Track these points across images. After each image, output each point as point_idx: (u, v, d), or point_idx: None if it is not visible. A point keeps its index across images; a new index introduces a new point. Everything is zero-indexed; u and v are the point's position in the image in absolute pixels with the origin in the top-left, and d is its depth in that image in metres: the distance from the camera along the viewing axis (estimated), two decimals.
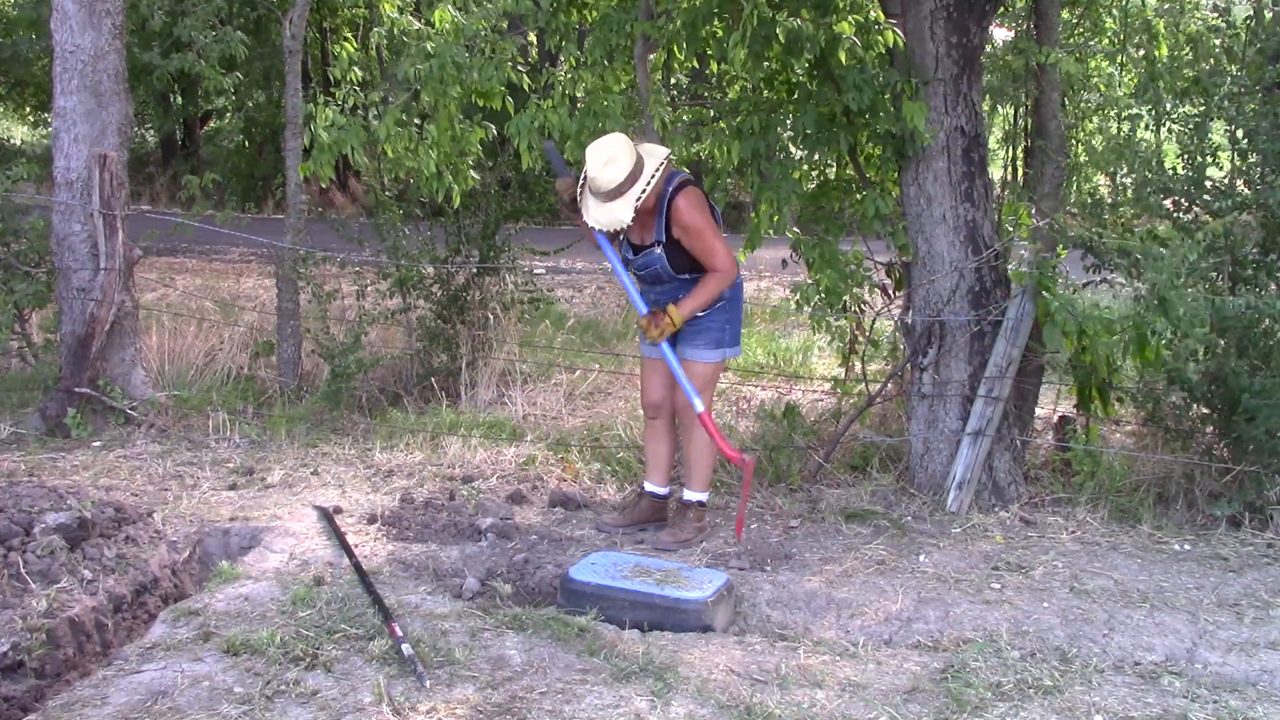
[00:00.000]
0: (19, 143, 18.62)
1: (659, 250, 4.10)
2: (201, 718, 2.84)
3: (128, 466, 5.15)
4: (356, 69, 5.30)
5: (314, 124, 5.16)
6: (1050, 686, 3.02)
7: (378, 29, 5.47)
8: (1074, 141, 4.90)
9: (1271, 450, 4.10)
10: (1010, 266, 4.67)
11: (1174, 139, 4.54)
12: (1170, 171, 4.45)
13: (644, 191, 3.92)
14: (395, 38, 5.52)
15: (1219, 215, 4.26)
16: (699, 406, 4.09)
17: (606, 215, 3.97)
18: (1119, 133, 4.71)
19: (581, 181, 4.06)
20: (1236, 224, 4.23)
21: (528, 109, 4.74)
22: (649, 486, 4.45)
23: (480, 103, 4.99)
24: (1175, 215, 4.41)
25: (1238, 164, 4.75)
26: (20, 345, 6.25)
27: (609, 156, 3.94)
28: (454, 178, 5.36)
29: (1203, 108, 4.41)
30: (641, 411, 4.51)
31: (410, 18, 5.20)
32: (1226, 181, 4.43)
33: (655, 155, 4.02)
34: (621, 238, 4.18)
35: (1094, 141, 4.83)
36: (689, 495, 4.31)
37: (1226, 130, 4.40)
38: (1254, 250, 4.26)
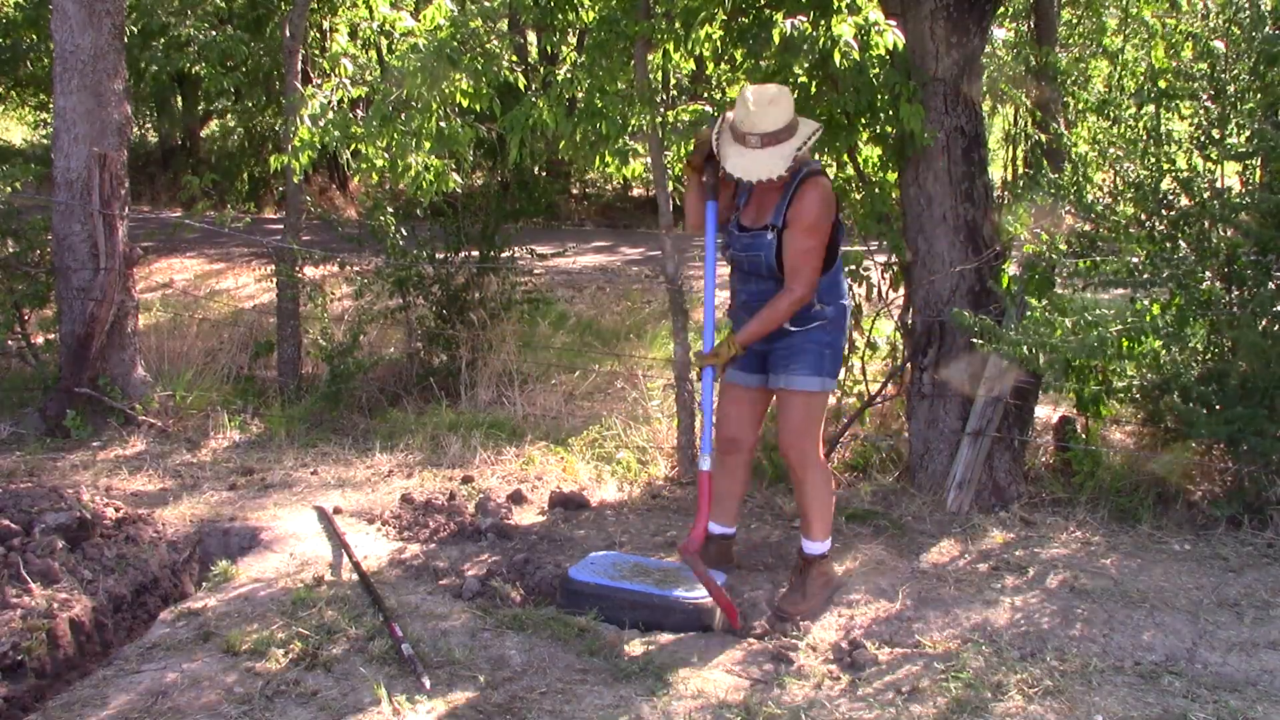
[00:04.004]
0: (19, 143, 18.61)
1: (770, 236, 3.53)
2: (201, 718, 2.84)
3: (128, 466, 5.16)
4: (346, 63, 5.27)
5: (299, 115, 5.13)
6: (1050, 686, 3.02)
7: (367, 24, 5.44)
8: (1076, 140, 4.88)
9: (1263, 451, 4.10)
10: (1006, 270, 4.66)
11: (1171, 142, 4.53)
12: (1171, 169, 4.45)
13: (802, 146, 3.42)
14: (387, 33, 5.50)
15: (1216, 216, 4.26)
16: (704, 465, 3.61)
17: (753, 163, 3.42)
18: (1120, 131, 4.69)
19: (718, 127, 3.54)
20: (1233, 224, 4.23)
21: (523, 105, 4.73)
22: (714, 527, 3.86)
23: (465, 104, 4.97)
24: (1171, 215, 4.41)
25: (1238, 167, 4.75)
26: (20, 345, 6.25)
27: (772, 98, 3.44)
28: (435, 178, 5.32)
29: (1203, 109, 4.42)
30: (717, 445, 3.77)
31: (403, 14, 5.18)
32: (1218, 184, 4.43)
33: (810, 124, 3.55)
34: (734, 216, 3.66)
35: (1096, 137, 4.81)
36: (809, 547, 3.68)
37: (1230, 130, 4.40)
38: (1252, 251, 4.25)
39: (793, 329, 3.59)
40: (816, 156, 4.99)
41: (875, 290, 5.23)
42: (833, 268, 3.63)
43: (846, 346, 3.70)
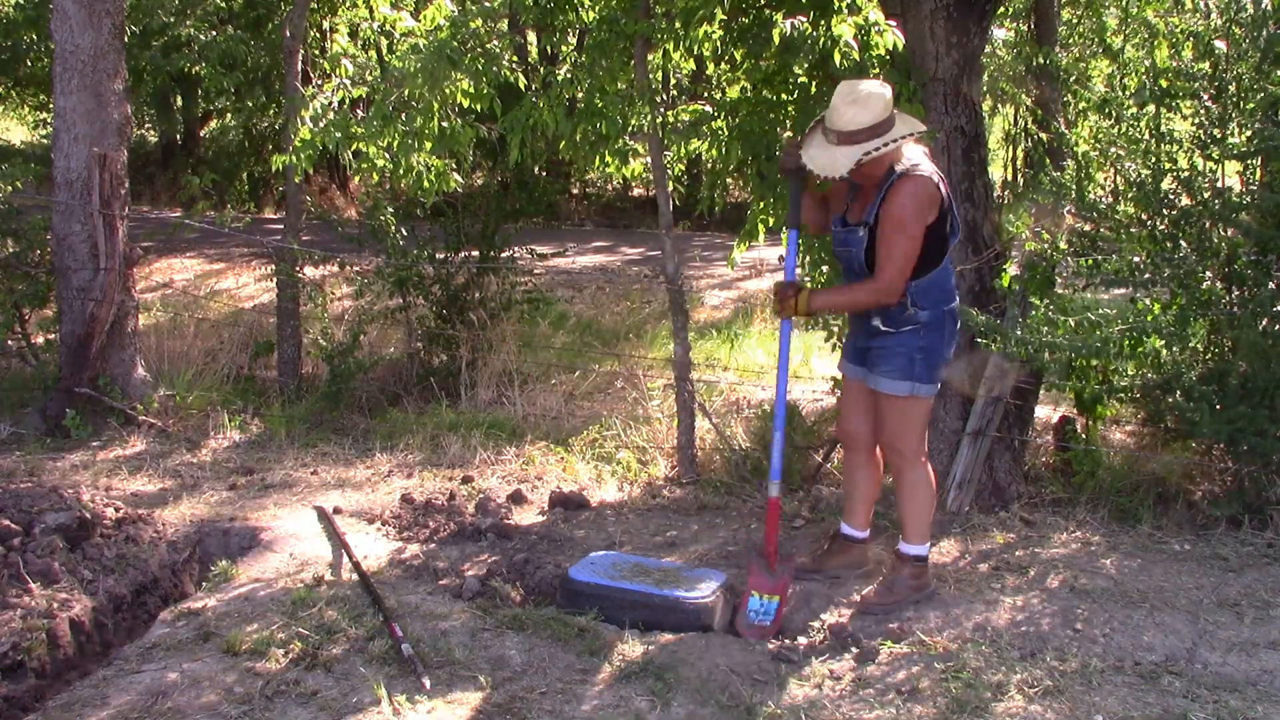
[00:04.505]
0: (19, 143, 18.62)
1: (862, 233, 3.52)
2: (201, 718, 2.84)
3: (128, 466, 5.16)
4: (347, 64, 5.27)
5: (300, 115, 5.13)
6: (1050, 686, 3.02)
7: (368, 25, 5.44)
8: (1077, 139, 4.88)
9: (1263, 451, 4.10)
10: (1006, 270, 4.66)
11: (1172, 141, 4.53)
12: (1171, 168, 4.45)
13: (878, 149, 3.38)
14: (387, 33, 5.49)
15: (1217, 216, 4.26)
16: (773, 491, 3.68)
17: (826, 158, 3.44)
18: (1121, 131, 4.69)
19: (814, 123, 3.61)
20: (1234, 224, 4.23)
21: (523, 106, 4.74)
22: (844, 529, 3.91)
23: (465, 104, 4.97)
24: (1172, 214, 4.41)
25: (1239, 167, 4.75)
26: (20, 345, 6.25)
27: (860, 97, 3.42)
28: (436, 178, 5.32)
29: (1204, 109, 4.41)
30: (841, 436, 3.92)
31: (403, 14, 5.18)
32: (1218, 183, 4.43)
33: (908, 124, 3.52)
34: (844, 210, 3.68)
35: (1098, 137, 4.81)
36: (904, 548, 3.67)
37: (1229, 129, 4.39)
38: (1252, 251, 4.25)
39: (885, 329, 3.56)
40: None
41: None
42: (931, 273, 3.53)
43: (952, 351, 3.67)
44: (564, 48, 11.81)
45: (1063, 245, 4.60)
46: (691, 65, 6.37)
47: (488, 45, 4.94)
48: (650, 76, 4.96)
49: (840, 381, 3.94)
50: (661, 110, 5.13)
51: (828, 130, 3.47)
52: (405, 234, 6.89)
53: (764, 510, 4.29)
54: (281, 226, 7.45)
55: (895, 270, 3.43)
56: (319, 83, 6.32)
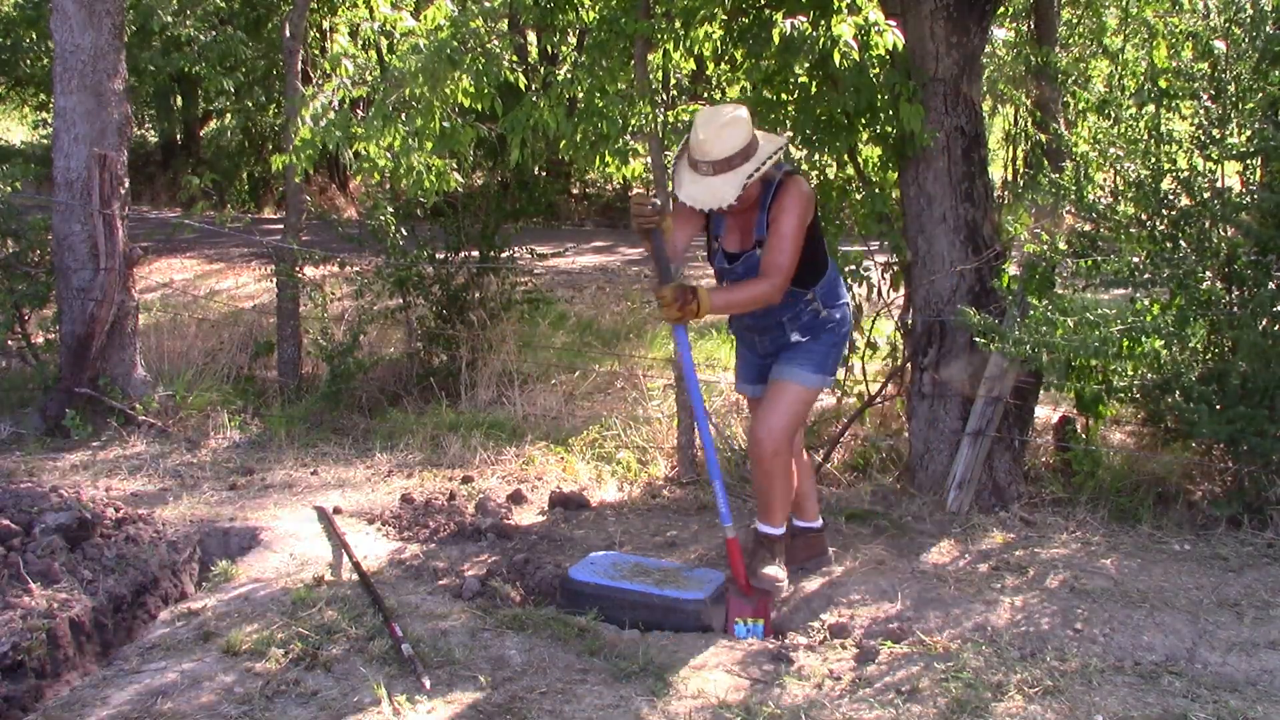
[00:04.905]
0: (19, 143, 18.61)
1: (759, 252, 3.51)
2: (201, 718, 2.84)
3: (128, 466, 5.16)
4: (347, 64, 5.27)
5: (300, 115, 5.13)
6: (1050, 686, 3.02)
7: (368, 25, 5.44)
8: (1076, 140, 4.88)
9: (1263, 451, 4.10)
10: (1006, 269, 4.67)
11: (1171, 141, 4.53)
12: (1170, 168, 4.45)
13: (758, 170, 3.34)
14: (387, 33, 5.49)
15: (1216, 216, 4.26)
16: (729, 533, 3.59)
17: (704, 190, 3.37)
18: (1120, 131, 4.70)
19: (679, 152, 3.55)
20: (1235, 225, 4.23)
21: (523, 106, 4.74)
22: (798, 523, 3.97)
23: (466, 103, 4.97)
24: (1171, 214, 4.41)
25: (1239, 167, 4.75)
26: (20, 345, 6.25)
27: (727, 121, 3.36)
28: (436, 178, 5.32)
29: (1203, 108, 4.41)
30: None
31: (403, 14, 5.19)
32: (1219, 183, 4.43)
33: (773, 140, 3.49)
34: (717, 246, 3.69)
35: (1097, 137, 4.81)
36: (769, 530, 3.76)
37: (1230, 129, 4.39)
38: (1252, 250, 4.25)
39: (803, 338, 3.65)
40: (816, 156, 5.00)
41: (875, 290, 5.23)
42: (826, 272, 3.67)
43: (847, 346, 3.78)
44: (564, 48, 11.81)
45: (1062, 246, 4.60)
46: (691, 65, 6.37)
47: (488, 45, 4.94)
48: (650, 76, 4.96)
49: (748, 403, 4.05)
50: (662, 110, 5.13)
51: (698, 163, 3.39)
52: (405, 234, 6.89)
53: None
54: (281, 226, 7.45)
55: (789, 264, 3.43)
56: (319, 83, 6.33)
